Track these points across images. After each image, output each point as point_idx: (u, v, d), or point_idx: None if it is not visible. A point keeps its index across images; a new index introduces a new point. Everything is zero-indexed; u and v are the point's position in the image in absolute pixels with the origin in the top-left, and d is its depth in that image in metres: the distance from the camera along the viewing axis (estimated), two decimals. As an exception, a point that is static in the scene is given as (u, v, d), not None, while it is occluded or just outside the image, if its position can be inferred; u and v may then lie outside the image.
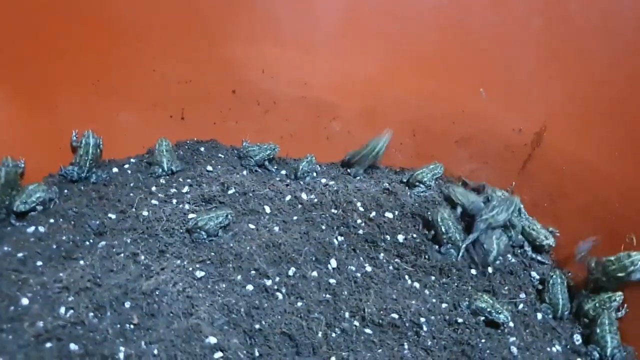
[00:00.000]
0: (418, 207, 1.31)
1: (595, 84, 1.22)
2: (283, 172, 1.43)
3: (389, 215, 1.27)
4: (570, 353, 1.11)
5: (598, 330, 1.10)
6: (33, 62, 1.26)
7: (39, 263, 1.09)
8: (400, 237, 1.23)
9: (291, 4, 1.37)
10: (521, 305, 1.17)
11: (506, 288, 1.20)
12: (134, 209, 1.20)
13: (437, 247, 1.23)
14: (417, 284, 1.18)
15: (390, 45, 1.40)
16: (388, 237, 1.23)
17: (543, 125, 1.30)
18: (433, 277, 1.19)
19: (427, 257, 1.21)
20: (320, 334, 1.03)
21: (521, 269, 1.25)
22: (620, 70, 1.19)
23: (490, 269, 1.20)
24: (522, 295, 1.19)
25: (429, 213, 1.27)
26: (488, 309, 1.11)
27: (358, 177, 1.42)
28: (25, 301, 1.00)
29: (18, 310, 0.99)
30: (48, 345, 0.94)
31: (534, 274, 1.24)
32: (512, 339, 1.09)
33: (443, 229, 1.22)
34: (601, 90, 1.21)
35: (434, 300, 1.15)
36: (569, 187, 1.27)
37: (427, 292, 1.17)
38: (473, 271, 1.21)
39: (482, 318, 1.11)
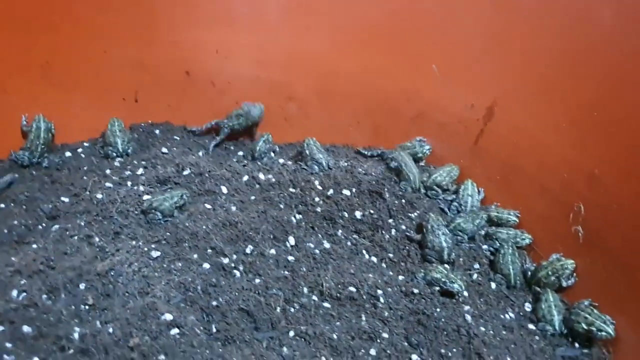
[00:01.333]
0: (375, 184, 1.32)
1: (543, 59, 1.25)
2: (240, 153, 1.43)
3: (346, 192, 1.29)
4: (522, 319, 1.14)
5: (543, 306, 1.13)
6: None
7: (-10, 248, 1.07)
8: (358, 214, 1.25)
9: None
10: (475, 275, 1.20)
11: (461, 259, 1.23)
12: (87, 192, 1.19)
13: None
14: (374, 258, 1.20)
15: (343, 23, 1.41)
16: (346, 214, 1.25)
17: (494, 100, 1.32)
18: (390, 252, 1.21)
19: (383, 232, 1.23)
20: (278, 310, 1.04)
21: (476, 241, 1.28)
22: (566, 45, 1.22)
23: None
24: (476, 266, 1.22)
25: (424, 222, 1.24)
26: (443, 279, 1.13)
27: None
28: (-24, 286, 0.99)
29: (-31, 295, 0.97)
30: (0, 328, 0.93)
31: (486, 246, 1.27)
32: (467, 307, 1.12)
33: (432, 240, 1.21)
34: (548, 65, 1.24)
35: (390, 273, 1.17)
36: (520, 159, 1.29)
37: (384, 265, 1.19)
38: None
39: (437, 288, 1.13)
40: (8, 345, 0.91)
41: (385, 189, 1.30)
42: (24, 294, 0.97)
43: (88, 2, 1.31)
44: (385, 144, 1.46)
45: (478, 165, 1.37)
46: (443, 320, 1.07)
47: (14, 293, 0.97)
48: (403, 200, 1.30)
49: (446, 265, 1.19)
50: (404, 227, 1.25)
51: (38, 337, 0.92)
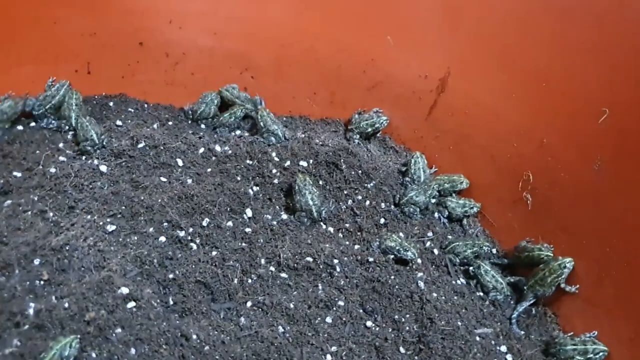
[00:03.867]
0: (332, 155, 1.33)
1: (495, 30, 1.27)
2: (203, 125, 1.42)
3: (303, 163, 1.30)
4: (472, 285, 1.18)
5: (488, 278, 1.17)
6: None
7: (-62, 224, 1.05)
8: (315, 185, 1.26)
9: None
10: (428, 243, 1.23)
11: (415, 228, 1.26)
12: (40, 167, 1.17)
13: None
14: (331, 229, 1.22)
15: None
16: (303, 185, 1.26)
17: (447, 71, 1.34)
18: (347, 223, 1.23)
19: (340, 202, 1.25)
20: (235, 281, 1.06)
21: (430, 211, 1.31)
22: (518, 15, 1.23)
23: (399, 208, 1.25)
24: (429, 234, 1.26)
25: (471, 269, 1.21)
26: (397, 247, 1.16)
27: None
28: None
29: None
30: (-48, 305, 0.92)
31: (437, 214, 1.31)
32: (420, 274, 1.15)
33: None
34: (500, 36, 1.26)
35: (347, 243, 1.19)
36: (472, 130, 1.32)
37: (340, 235, 1.21)
38: (383, 219, 1.25)
39: (392, 256, 1.16)
40: (-39, 322, 0.91)
41: (342, 160, 1.31)
42: (-24, 270, 0.97)
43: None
44: (342, 115, 1.47)
45: (431, 136, 1.39)
46: (397, 287, 1.10)
47: (-34, 270, 0.97)
48: (360, 172, 1.32)
49: (400, 234, 1.22)
50: (359, 197, 1.27)
51: (-8, 313, 0.92)
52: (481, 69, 1.29)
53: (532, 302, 1.14)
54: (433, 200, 1.32)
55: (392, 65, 1.40)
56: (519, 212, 1.24)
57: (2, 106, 1.24)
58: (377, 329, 1.04)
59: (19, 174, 1.16)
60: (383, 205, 1.28)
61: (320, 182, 1.27)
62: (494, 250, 1.24)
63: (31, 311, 0.92)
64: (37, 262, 0.99)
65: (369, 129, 1.41)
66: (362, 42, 1.41)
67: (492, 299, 1.16)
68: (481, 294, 1.16)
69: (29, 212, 1.08)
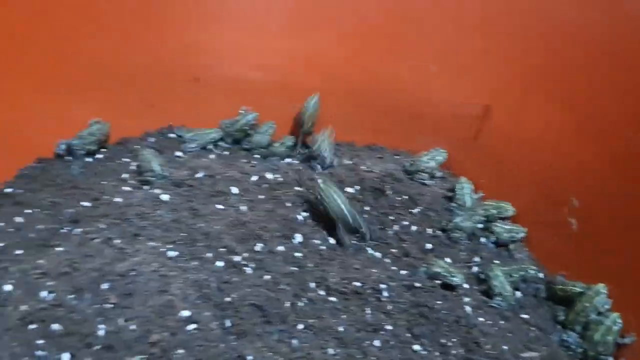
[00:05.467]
0: (378, 181, 1.38)
1: (537, 59, 1.30)
2: (256, 155, 1.50)
3: (349, 190, 1.35)
4: (518, 309, 1.20)
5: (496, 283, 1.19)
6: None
7: (18, 252, 1.14)
8: (361, 210, 1.31)
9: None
10: (475, 269, 1.26)
11: (462, 254, 1.29)
12: (106, 196, 1.26)
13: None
14: (378, 254, 1.26)
15: (344, 26, 1.46)
16: (350, 211, 1.31)
17: (491, 98, 1.37)
18: (393, 248, 1.27)
19: (386, 228, 1.29)
20: (287, 304, 1.11)
21: (476, 237, 1.34)
22: (560, 44, 1.26)
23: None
24: (476, 259, 1.28)
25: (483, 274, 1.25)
26: (443, 273, 1.19)
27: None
28: (8, 287, 1.06)
29: (2, 296, 1.05)
30: (32, 326, 1.00)
31: (484, 239, 1.33)
32: (466, 299, 1.18)
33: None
34: (541, 64, 1.29)
35: (393, 268, 1.23)
36: (517, 155, 1.35)
37: (387, 260, 1.25)
38: (429, 245, 1.28)
39: (439, 282, 1.19)
40: (40, 342, 0.99)
41: (388, 186, 1.36)
42: (52, 294, 1.05)
43: (98, 14, 1.36)
44: (386, 141, 1.52)
45: (477, 162, 1.42)
46: (444, 312, 1.13)
47: (43, 294, 1.05)
48: (405, 197, 1.36)
49: (447, 259, 1.25)
50: (406, 222, 1.31)
51: (66, 334, 0.99)
52: (526, 95, 1.32)
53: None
54: (479, 226, 1.34)
55: (436, 92, 1.45)
56: (564, 237, 1.25)
57: (91, 129, 1.36)
58: (425, 352, 1.07)
59: (87, 204, 1.25)
60: (429, 230, 1.32)
61: (367, 208, 1.32)
62: (541, 275, 1.26)
63: (101, 332, 0.99)
64: (105, 286, 1.07)
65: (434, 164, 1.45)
66: (405, 70, 1.46)
67: (495, 305, 1.18)
68: (527, 316, 1.18)
69: (97, 240, 1.16)
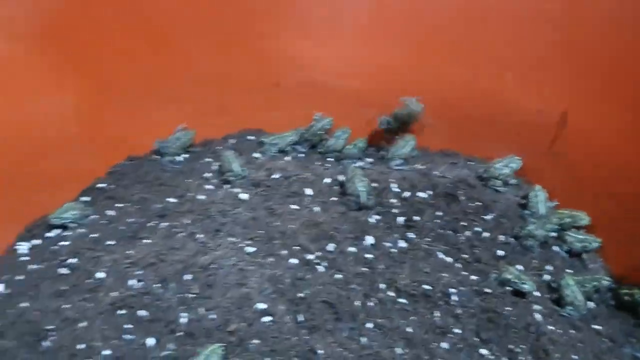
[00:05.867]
0: (451, 187, 1.39)
1: (615, 68, 1.28)
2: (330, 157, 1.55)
3: (422, 195, 1.37)
4: (591, 320, 1.19)
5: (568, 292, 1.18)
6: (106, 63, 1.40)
7: (110, 242, 1.24)
8: (434, 216, 1.33)
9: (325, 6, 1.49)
10: (547, 277, 1.25)
11: (534, 261, 1.28)
12: (191, 194, 1.34)
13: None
14: (449, 259, 1.27)
15: (420, 36, 1.48)
16: (422, 216, 1.33)
17: (568, 106, 1.36)
18: (464, 253, 1.28)
19: (458, 234, 1.31)
20: (358, 303, 1.14)
21: (549, 245, 1.33)
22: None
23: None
24: (549, 267, 1.28)
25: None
26: (514, 280, 1.19)
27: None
28: (100, 275, 1.16)
29: (95, 283, 1.15)
30: (121, 312, 1.09)
31: (556, 248, 1.32)
32: (537, 306, 1.18)
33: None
34: (620, 74, 1.27)
35: (464, 273, 1.24)
36: (594, 165, 1.33)
37: (458, 265, 1.26)
38: (501, 251, 1.28)
39: (509, 288, 1.20)
40: (128, 326, 1.07)
41: (461, 192, 1.37)
42: (140, 282, 1.13)
43: (188, 28, 1.46)
44: (461, 147, 1.53)
45: (552, 170, 1.41)
46: (513, 318, 1.13)
47: (132, 282, 1.14)
48: (479, 204, 1.37)
49: (518, 266, 1.25)
50: (478, 229, 1.32)
51: (152, 321, 1.07)
52: (604, 102, 1.30)
53: None
54: (553, 234, 1.33)
55: (512, 99, 1.44)
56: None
57: (178, 134, 1.46)
58: (492, 357, 1.07)
59: (173, 200, 1.34)
60: (502, 237, 1.32)
61: (439, 213, 1.34)
62: (615, 286, 1.24)
63: (184, 320, 1.07)
64: (188, 277, 1.14)
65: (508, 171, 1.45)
66: (480, 77, 1.46)
67: (566, 314, 1.16)
68: (599, 327, 1.16)
69: (182, 234, 1.24)
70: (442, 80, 1.49)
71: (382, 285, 1.18)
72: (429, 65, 1.49)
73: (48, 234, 1.29)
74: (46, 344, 1.06)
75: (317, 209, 1.33)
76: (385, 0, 1.49)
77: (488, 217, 1.35)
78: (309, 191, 1.37)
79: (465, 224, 1.32)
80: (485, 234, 1.31)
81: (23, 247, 1.27)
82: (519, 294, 1.19)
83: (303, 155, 1.54)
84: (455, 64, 1.47)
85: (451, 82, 1.49)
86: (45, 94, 1.32)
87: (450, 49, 1.47)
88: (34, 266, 1.22)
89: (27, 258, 1.25)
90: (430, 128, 1.54)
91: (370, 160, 1.53)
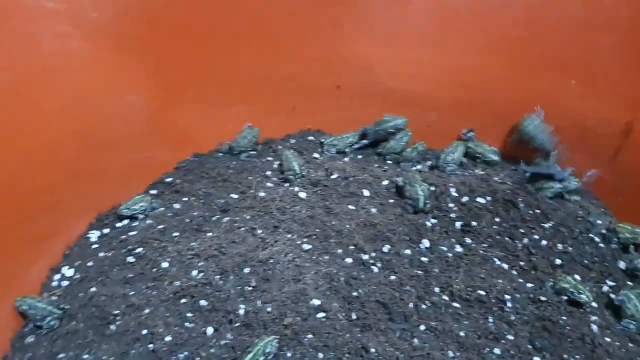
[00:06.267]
0: (510, 193, 1.38)
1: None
2: (389, 160, 1.56)
3: (480, 200, 1.37)
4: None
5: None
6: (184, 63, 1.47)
7: (175, 234, 1.30)
8: (491, 222, 1.33)
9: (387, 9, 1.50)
10: (606, 288, 1.23)
11: (593, 272, 1.26)
12: (252, 190, 1.39)
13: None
14: (505, 265, 1.27)
15: (481, 39, 1.48)
16: (479, 221, 1.33)
17: (631, 115, 1.33)
18: (521, 261, 1.27)
19: (515, 240, 1.30)
20: (411, 305, 1.16)
21: (610, 257, 1.30)
22: None
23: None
24: (610, 282, 1.25)
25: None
26: (571, 289, 1.18)
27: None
28: (165, 265, 1.22)
29: (160, 272, 1.21)
30: (183, 300, 1.15)
31: (621, 263, 1.29)
32: (594, 317, 1.16)
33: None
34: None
35: (520, 280, 1.23)
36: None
37: (514, 272, 1.26)
38: (559, 260, 1.27)
39: (565, 298, 1.18)
40: (189, 314, 1.12)
41: (520, 199, 1.36)
42: (202, 274, 1.19)
43: (255, 31, 1.51)
44: (522, 154, 1.51)
45: (615, 180, 1.38)
46: (568, 328, 1.12)
47: (194, 272, 1.19)
48: (538, 211, 1.35)
49: (576, 276, 1.23)
50: (536, 236, 1.31)
51: (212, 310, 1.12)
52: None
53: None
54: (613, 246, 1.31)
55: (575, 107, 1.42)
56: None
57: (244, 132, 1.52)
58: (545, 365, 1.08)
59: (235, 196, 1.39)
60: (560, 246, 1.30)
61: (497, 219, 1.33)
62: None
63: (241, 311, 1.11)
64: (246, 270, 1.19)
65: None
66: (543, 84, 1.45)
67: (625, 327, 1.14)
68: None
69: (242, 229, 1.29)
70: (504, 84, 1.48)
71: (436, 289, 1.19)
72: (490, 69, 1.48)
73: (118, 224, 1.36)
74: (112, 327, 1.13)
75: (373, 210, 1.35)
76: (448, 4, 1.49)
77: (547, 225, 1.33)
78: (366, 192, 1.39)
79: (524, 231, 1.32)
80: (544, 242, 1.30)
81: (94, 236, 1.35)
82: (576, 304, 1.18)
83: (361, 156, 1.56)
84: (518, 69, 1.46)
85: (513, 87, 1.47)
86: (120, 91, 1.40)
87: (513, 54, 1.46)
88: (104, 254, 1.29)
89: (97, 246, 1.33)
90: (490, 133, 1.54)
91: (429, 163, 1.54)
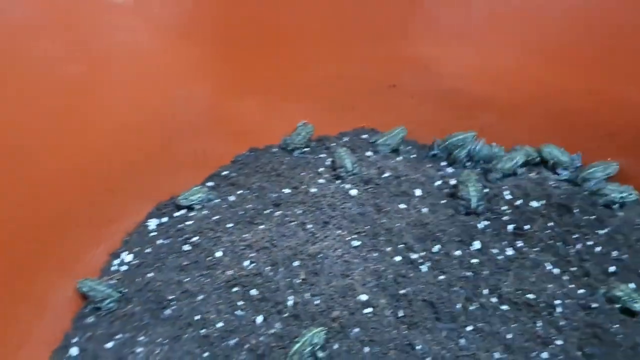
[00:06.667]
0: (565, 198, 1.36)
1: None
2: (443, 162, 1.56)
3: (534, 204, 1.35)
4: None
5: None
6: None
7: (229, 225, 1.34)
8: (544, 226, 1.31)
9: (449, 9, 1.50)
10: (662, 299, 1.20)
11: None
12: (304, 186, 1.42)
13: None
14: (556, 270, 1.25)
15: (540, 40, 1.46)
16: (532, 225, 1.31)
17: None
18: (573, 266, 1.25)
19: (568, 246, 1.28)
20: (459, 305, 1.16)
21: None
22: None
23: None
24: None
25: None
26: (624, 297, 1.15)
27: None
28: (218, 254, 1.26)
29: (213, 261, 1.25)
30: (235, 289, 1.19)
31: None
32: (648, 327, 1.13)
33: None
34: None
35: (571, 286, 1.21)
36: None
37: (565, 278, 1.23)
38: (613, 267, 1.24)
39: (618, 306, 1.16)
40: (240, 303, 1.16)
41: (575, 204, 1.34)
42: (253, 264, 1.22)
43: (317, 31, 1.53)
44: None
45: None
46: (620, 336, 1.10)
47: (246, 263, 1.23)
48: (593, 217, 1.33)
49: (631, 285, 1.20)
50: (590, 242, 1.28)
51: (262, 300, 1.16)
52: None
53: None
54: None
55: (632, 109, 1.38)
56: None
57: (299, 129, 1.56)
58: (594, 373, 1.06)
59: (288, 191, 1.42)
60: (615, 253, 1.27)
61: (550, 224, 1.31)
62: None
63: (290, 303, 1.14)
64: (296, 263, 1.22)
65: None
66: (604, 86, 1.41)
67: None
68: None
69: (294, 223, 1.32)
70: (562, 89, 1.46)
71: (485, 291, 1.19)
72: (552, 73, 1.46)
73: (175, 213, 1.42)
74: (167, 312, 1.18)
75: (425, 210, 1.35)
76: (511, 4, 1.48)
77: (602, 231, 1.30)
78: (418, 192, 1.40)
79: (577, 236, 1.29)
80: (597, 249, 1.27)
81: (152, 224, 1.41)
82: (629, 312, 1.15)
83: (414, 155, 1.56)
84: (580, 72, 1.43)
85: (571, 91, 1.45)
86: (184, 83, 1.45)
87: (577, 57, 1.43)
88: (161, 241, 1.35)
89: (155, 233, 1.39)
90: (552, 136, 1.51)
91: (481, 167, 1.52)
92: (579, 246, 1.28)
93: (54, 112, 1.20)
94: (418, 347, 1.06)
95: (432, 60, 1.56)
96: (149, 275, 1.26)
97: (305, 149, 1.57)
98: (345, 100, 1.62)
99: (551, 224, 1.32)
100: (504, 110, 1.55)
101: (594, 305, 1.15)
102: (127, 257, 1.33)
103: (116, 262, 1.33)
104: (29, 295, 1.16)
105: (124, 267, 1.31)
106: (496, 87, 1.53)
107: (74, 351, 1.16)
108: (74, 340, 1.19)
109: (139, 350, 1.12)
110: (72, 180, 1.24)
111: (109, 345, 1.15)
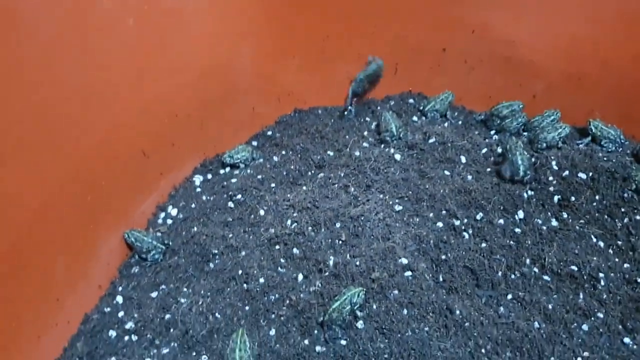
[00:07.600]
0: (614, 171, 1.33)
1: None
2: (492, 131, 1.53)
3: (582, 175, 1.32)
4: None
5: None
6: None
7: (273, 185, 1.36)
8: (592, 198, 1.28)
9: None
10: None
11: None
12: (348, 149, 1.42)
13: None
14: (601, 243, 1.23)
15: (597, 5, 1.40)
16: (579, 197, 1.29)
17: None
18: (620, 240, 1.23)
19: (616, 219, 1.25)
20: (500, 273, 1.16)
21: None
22: None
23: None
24: None
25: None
26: (672, 275, 1.13)
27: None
28: (262, 212, 1.28)
29: (257, 219, 1.27)
30: (277, 247, 1.21)
31: None
32: (697, 306, 1.11)
33: None
34: None
35: (616, 260, 1.19)
36: None
37: (610, 251, 1.21)
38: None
39: (665, 282, 1.14)
40: (282, 260, 1.18)
41: (624, 177, 1.30)
42: (295, 224, 1.24)
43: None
44: (632, 130, 1.44)
45: None
46: (666, 313, 1.08)
47: (288, 222, 1.25)
48: (642, 191, 1.30)
49: (678, 262, 1.18)
50: (638, 217, 1.25)
51: (303, 258, 1.18)
52: None
53: None
54: None
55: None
56: None
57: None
58: (635, 347, 1.04)
59: (331, 153, 1.42)
60: (664, 229, 1.24)
61: (597, 197, 1.29)
62: None
63: (331, 262, 1.16)
64: (338, 225, 1.23)
65: None
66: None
67: None
68: None
69: (336, 185, 1.32)
70: (622, 59, 1.40)
71: (527, 260, 1.18)
72: (611, 42, 1.40)
73: (221, 171, 1.45)
74: (211, 265, 1.21)
75: (469, 177, 1.34)
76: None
77: (652, 206, 1.27)
78: (463, 159, 1.38)
79: (625, 210, 1.26)
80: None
81: (198, 180, 1.44)
82: (677, 290, 1.13)
83: (461, 122, 1.54)
84: (637, 42, 1.38)
85: (633, 62, 1.40)
86: (233, 41, 1.46)
87: (630, 25, 1.38)
88: (206, 197, 1.38)
89: (200, 189, 1.42)
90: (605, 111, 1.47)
91: (526, 136, 1.50)
92: (626, 220, 1.25)
93: (112, 67, 1.22)
94: (457, 312, 1.07)
95: (485, 25, 1.52)
96: (194, 229, 1.30)
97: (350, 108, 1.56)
98: (391, 63, 1.60)
99: (598, 197, 1.29)
100: (557, 80, 1.50)
101: (639, 279, 1.13)
102: (173, 210, 1.37)
103: (162, 215, 1.37)
104: (80, 242, 1.20)
105: (170, 221, 1.35)
106: (551, 56, 1.49)
107: (119, 299, 1.21)
108: (120, 288, 1.23)
109: (182, 300, 1.16)
110: (125, 133, 1.27)
111: (154, 294, 1.19)
